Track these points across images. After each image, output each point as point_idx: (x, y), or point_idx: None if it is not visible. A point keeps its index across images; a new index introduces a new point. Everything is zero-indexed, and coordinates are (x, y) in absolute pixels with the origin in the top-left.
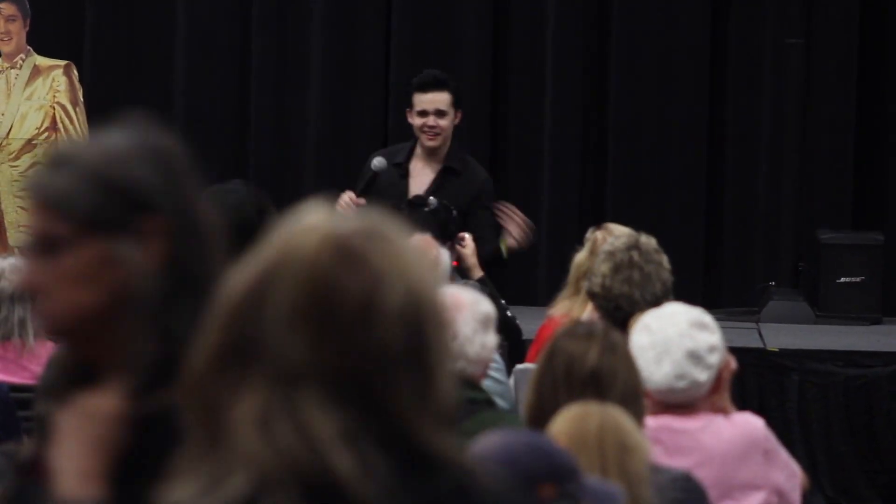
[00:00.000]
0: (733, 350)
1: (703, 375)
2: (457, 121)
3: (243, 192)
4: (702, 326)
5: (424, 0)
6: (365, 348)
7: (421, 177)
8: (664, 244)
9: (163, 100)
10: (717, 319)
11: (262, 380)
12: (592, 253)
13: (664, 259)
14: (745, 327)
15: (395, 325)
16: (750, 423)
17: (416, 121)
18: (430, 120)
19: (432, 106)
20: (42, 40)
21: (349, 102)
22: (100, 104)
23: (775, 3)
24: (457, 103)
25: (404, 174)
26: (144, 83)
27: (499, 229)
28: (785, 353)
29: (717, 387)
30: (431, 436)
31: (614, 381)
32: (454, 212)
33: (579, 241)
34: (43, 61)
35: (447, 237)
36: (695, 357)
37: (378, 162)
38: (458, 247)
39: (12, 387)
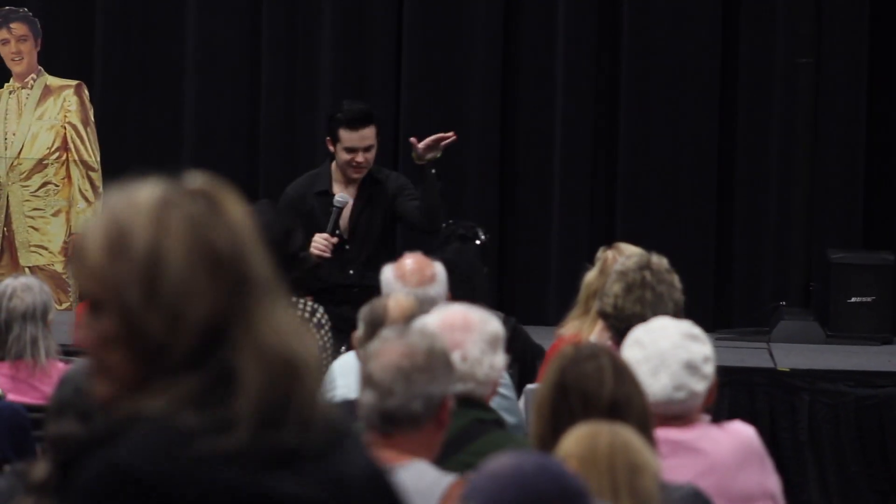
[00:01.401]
0: (744, 370)
1: (700, 385)
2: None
3: (271, 214)
4: (694, 338)
5: (435, 19)
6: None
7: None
8: (675, 264)
9: (173, 120)
10: (728, 339)
11: None
12: (603, 272)
13: (675, 279)
14: (756, 347)
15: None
16: (744, 432)
17: (342, 155)
18: (359, 156)
19: (362, 143)
20: (53, 60)
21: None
22: (111, 124)
23: (786, 23)
24: (379, 129)
25: (329, 201)
26: (155, 103)
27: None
28: (796, 373)
29: (708, 399)
30: None
31: (631, 408)
32: (482, 235)
33: (589, 261)
34: (54, 81)
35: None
36: (691, 368)
37: (341, 197)
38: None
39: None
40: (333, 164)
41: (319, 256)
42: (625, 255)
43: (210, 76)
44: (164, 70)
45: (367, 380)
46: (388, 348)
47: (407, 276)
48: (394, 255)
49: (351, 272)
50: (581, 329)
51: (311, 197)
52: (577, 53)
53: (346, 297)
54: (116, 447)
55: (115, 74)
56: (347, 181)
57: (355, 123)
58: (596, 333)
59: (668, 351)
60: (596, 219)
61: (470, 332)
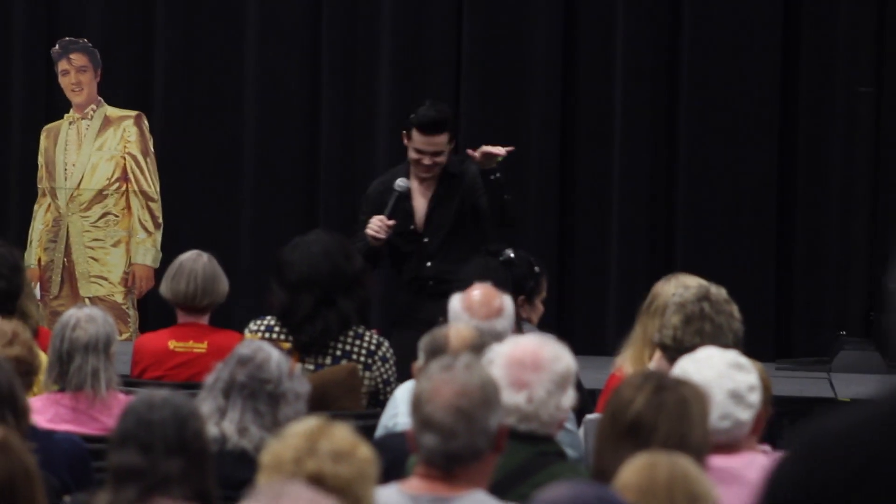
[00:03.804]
0: (804, 400)
1: (745, 415)
2: (452, 145)
3: (327, 240)
4: (739, 367)
5: (493, 51)
6: None
7: (422, 195)
8: (735, 294)
9: (233, 150)
10: (789, 369)
11: None
12: (662, 303)
13: (735, 309)
14: (817, 377)
15: None
16: None
17: (412, 154)
18: (426, 160)
19: (431, 148)
20: (113, 91)
21: None
22: (170, 154)
23: (846, 52)
24: (454, 135)
25: (407, 196)
26: (215, 133)
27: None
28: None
29: (756, 427)
30: None
31: (654, 433)
32: (536, 267)
33: (647, 290)
34: (113, 112)
35: (522, 292)
36: (736, 397)
37: (402, 182)
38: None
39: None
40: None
41: (374, 238)
42: (684, 285)
43: (269, 106)
44: (224, 100)
45: (425, 423)
46: (442, 389)
47: (474, 307)
48: (471, 248)
49: (428, 264)
50: (639, 359)
51: (389, 190)
52: (636, 87)
53: (423, 289)
54: None
55: (175, 105)
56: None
57: (426, 129)
58: (654, 363)
59: (713, 380)
60: (655, 249)
61: (539, 372)
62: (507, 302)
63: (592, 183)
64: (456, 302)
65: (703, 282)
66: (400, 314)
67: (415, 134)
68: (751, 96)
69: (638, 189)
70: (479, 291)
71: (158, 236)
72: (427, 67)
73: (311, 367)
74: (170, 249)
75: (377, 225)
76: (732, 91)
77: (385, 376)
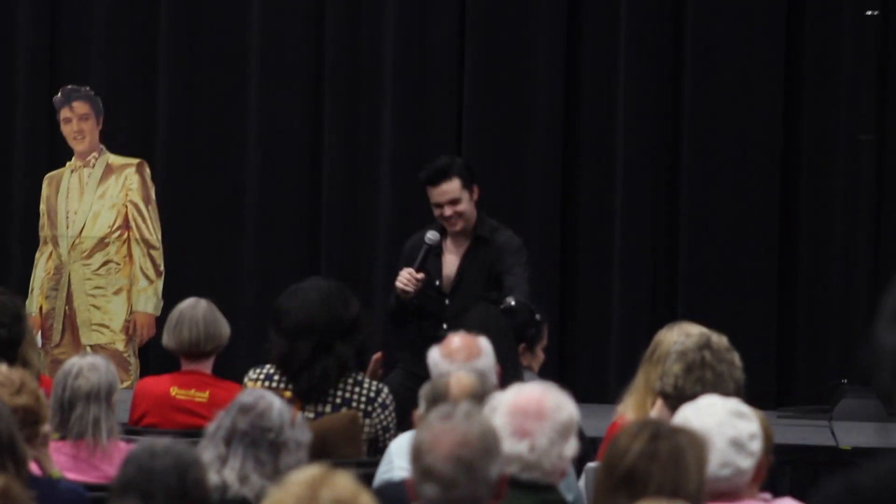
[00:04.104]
0: (806, 448)
1: (746, 462)
2: (475, 196)
3: (324, 287)
4: (740, 415)
5: (495, 94)
6: None
7: (453, 253)
8: (736, 341)
9: (234, 199)
10: (790, 417)
11: None
12: (664, 350)
13: (736, 357)
14: (818, 425)
15: None
16: None
17: (434, 211)
18: (446, 210)
19: (444, 198)
20: (115, 138)
21: (419, 195)
22: (172, 202)
23: (848, 99)
24: (468, 181)
25: (439, 252)
26: (217, 181)
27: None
28: (858, 452)
29: (757, 476)
30: None
31: (648, 482)
32: (537, 315)
33: (650, 338)
34: (116, 160)
35: (523, 340)
36: (738, 445)
37: (432, 235)
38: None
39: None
40: None
41: (403, 291)
42: (685, 333)
43: (271, 153)
44: (226, 147)
45: (426, 474)
46: (442, 438)
47: (454, 353)
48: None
49: (445, 326)
50: (640, 407)
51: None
52: (637, 126)
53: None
54: None
55: (177, 153)
56: (455, 233)
57: (432, 180)
58: (656, 411)
59: (714, 428)
60: (657, 297)
61: (541, 421)
62: (484, 343)
63: (593, 230)
64: (435, 353)
65: (704, 330)
66: (402, 359)
67: (428, 191)
68: (752, 142)
69: (640, 238)
70: (457, 338)
71: (160, 284)
72: (430, 118)
73: (312, 415)
74: (171, 297)
75: (406, 278)
76: (734, 136)
77: (385, 423)
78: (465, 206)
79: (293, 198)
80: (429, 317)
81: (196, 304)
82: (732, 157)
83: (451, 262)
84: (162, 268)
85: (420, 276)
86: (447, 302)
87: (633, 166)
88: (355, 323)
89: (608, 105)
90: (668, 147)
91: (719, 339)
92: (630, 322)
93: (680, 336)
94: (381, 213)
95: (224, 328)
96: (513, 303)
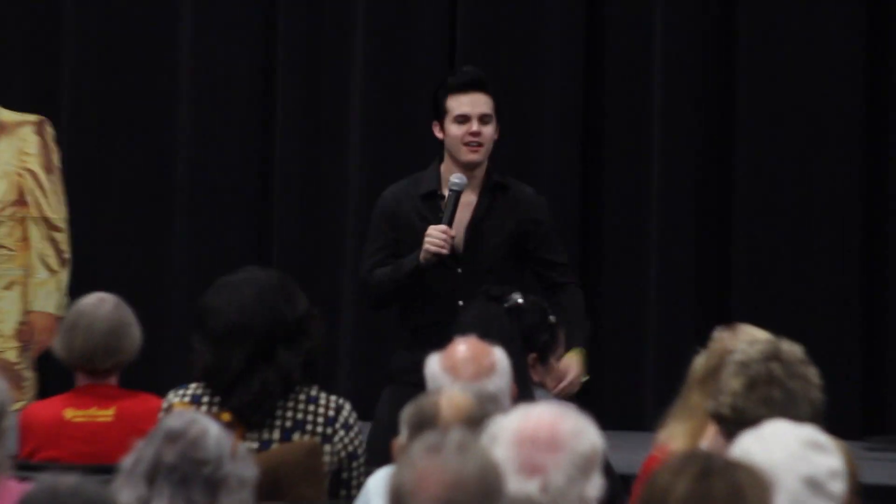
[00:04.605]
0: None
1: None
2: (496, 136)
3: (262, 279)
4: (817, 447)
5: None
6: None
7: (462, 204)
8: (812, 353)
9: (163, 164)
10: (881, 450)
11: None
12: (719, 361)
13: (812, 373)
14: None
15: None
16: None
17: (453, 131)
18: (474, 125)
19: (476, 109)
20: (8, 91)
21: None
22: (82, 171)
23: None
24: (497, 107)
25: (437, 204)
26: (140, 143)
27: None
28: None
29: None
30: None
31: None
32: (551, 317)
33: (694, 349)
34: (9, 116)
35: (534, 349)
36: (814, 485)
37: (458, 178)
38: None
39: None
40: (443, 165)
41: (436, 254)
42: (747, 340)
43: (210, 107)
44: (152, 101)
45: None
46: (429, 478)
47: (459, 367)
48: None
49: (460, 303)
50: (688, 435)
51: (414, 200)
52: (675, 119)
53: (447, 338)
54: None
55: (88, 108)
56: (464, 170)
57: (465, 87)
58: (708, 440)
59: (783, 464)
60: (704, 297)
61: (556, 453)
62: (499, 356)
63: (623, 213)
64: (434, 363)
65: (772, 337)
66: (398, 368)
67: (451, 102)
68: (830, 110)
69: (682, 220)
70: (464, 346)
71: (64, 276)
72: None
73: (256, 444)
74: (79, 293)
75: (439, 238)
76: (808, 100)
77: (350, 448)
78: (491, 133)
79: (239, 163)
80: (436, 297)
81: (100, 304)
82: (808, 114)
83: (459, 217)
84: (67, 255)
85: (453, 233)
86: (459, 271)
87: (673, 133)
88: (302, 324)
89: (641, 107)
90: (717, 97)
91: (791, 349)
92: (670, 330)
93: (741, 343)
94: (352, 182)
95: (131, 338)
96: (520, 300)
